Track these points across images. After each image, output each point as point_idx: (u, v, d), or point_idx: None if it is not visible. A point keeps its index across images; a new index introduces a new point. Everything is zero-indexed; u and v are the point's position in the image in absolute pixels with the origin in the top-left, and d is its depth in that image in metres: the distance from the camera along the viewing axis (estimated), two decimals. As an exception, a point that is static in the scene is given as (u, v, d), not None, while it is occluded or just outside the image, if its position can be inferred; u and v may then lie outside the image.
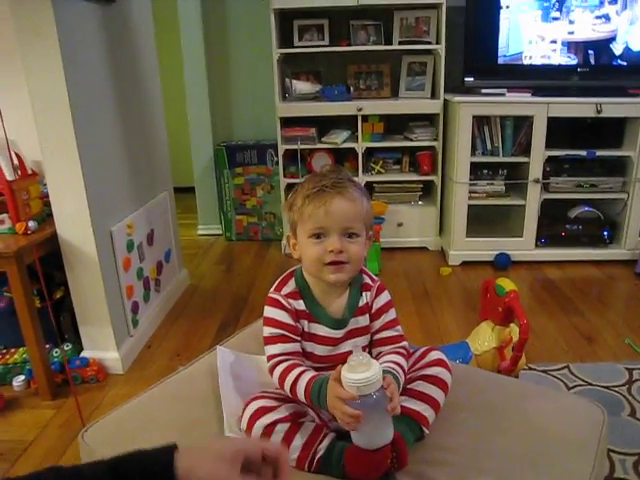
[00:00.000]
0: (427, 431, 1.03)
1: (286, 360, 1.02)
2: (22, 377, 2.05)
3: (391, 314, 1.11)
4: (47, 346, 2.06)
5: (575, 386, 1.95)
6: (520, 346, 1.63)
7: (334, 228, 1.00)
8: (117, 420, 1.12)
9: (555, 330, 2.39)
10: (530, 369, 2.03)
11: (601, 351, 2.22)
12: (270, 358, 1.04)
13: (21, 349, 2.13)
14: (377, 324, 1.09)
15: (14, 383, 2.04)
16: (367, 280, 1.11)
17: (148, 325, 2.42)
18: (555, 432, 1.07)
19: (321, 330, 1.06)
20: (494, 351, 1.73)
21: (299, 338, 1.06)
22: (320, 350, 1.06)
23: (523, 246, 3.09)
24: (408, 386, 1.06)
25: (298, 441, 0.97)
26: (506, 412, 1.13)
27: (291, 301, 1.06)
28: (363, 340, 1.09)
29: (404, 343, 1.09)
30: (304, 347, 1.07)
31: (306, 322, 1.06)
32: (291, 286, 1.08)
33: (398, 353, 1.06)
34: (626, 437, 1.67)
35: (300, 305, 1.06)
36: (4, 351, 2.16)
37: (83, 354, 2.14)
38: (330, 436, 0.99)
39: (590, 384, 1.96)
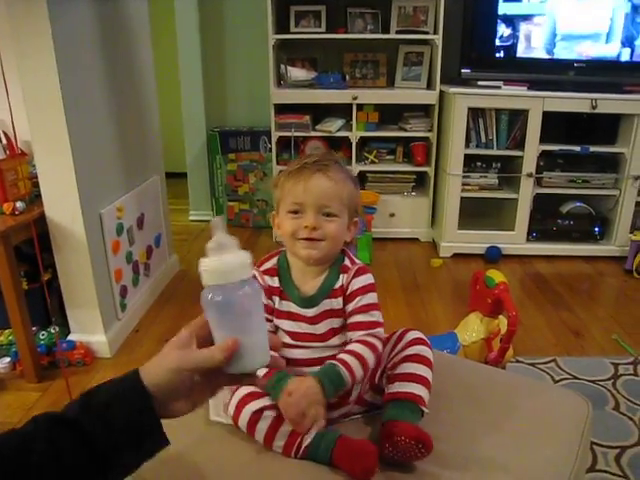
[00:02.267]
0: (427, 410, 1.02)
1: None
2: (8, 359, 2.04)
3: (368, 298, 1.06)
4: (34, 328, 2.04)
5: (561, 379, 1.97)
6: (508, 338, 1.64)
7: (310, 204, 1.01)
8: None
9: (544, 324, 2.40)
10: (518, 362, 2.04)
11: (588, 346, 2.23)
12: None
13: (7, 331, 2.11)
14: (350, 307, 1.06)
15: (-1, 365, 2.03)
16: (347, 262, 1.09)
17: (137, 309, 2.41)
18: (540, 423, 1.07)
19: (290, 307, 1.07)
20: (482, 342, 1.74)
21: (271, 317, 1.07)
22: (289, 325, 1.06)
23: (514, 240, 3.10)
24: (395, 371, 1.05)
25: (286, 427, 0.97)
26: (492, 402, 1.13)
27: (266, 277, 1.07)
28: (338, 322, 1.07)
29: (378, 330, 1.05)
30: (278, 324, 1.07)
31: (277, 299, 1.07)
32: (271, 263, 1.10)
33: (362, 342, 1.02)
34: (609, 430, 1.68)
35: (274, 282, 1.07)
36: (-10, 332, 2.15)
37: (70, 337, 2.12)
38: None
39: (576, 378, 1.98)
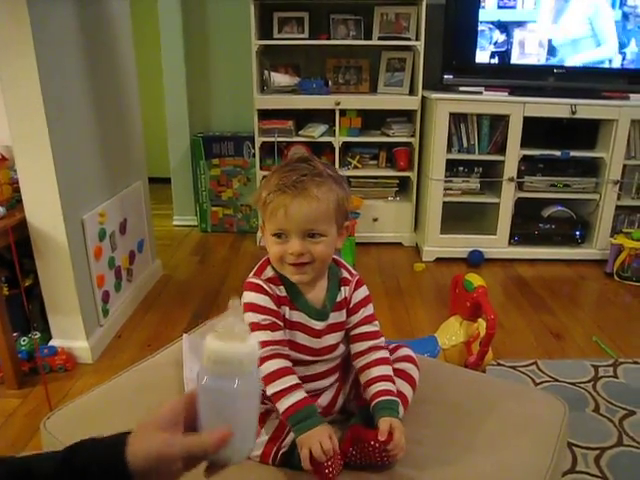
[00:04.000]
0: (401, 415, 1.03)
1: (280, 355, 0.98)
2: (-12, 365, 2.02)
3: (369, 309, 1.09)
4: (14, 334, 2.03)
5: (542, 382, 1.99)
6: (487, 341, 1.65)
7: (294, 230, 0.96)
8: (80, 408, 1.11)
9: (525, 327, 2.42)
10: (499, 365, 2.07)
11: (569, 348, 2.26)
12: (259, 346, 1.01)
13: (-13, 337, 2.09)
14: (355, 319, 1.07)
15: (-21, 371, 2.01)
16: (345, 274, 1.09)
17: (119, 315, 2.40)
18: (516, 425, 1.09)
19: (302, 318, 1.03)
20: (462, 345, 1.75)
21: (281, 323, 1.02)
22: (302, 339, 1.03)
23: (496, 244, 3.13)
24: None
25: (263, 436, 0.97)
26: (470, 405, 1.14)
27: (272, 286, 1.02)
28: (340, 336, 1.07)
29: (381, 339, 1.08)
30: (291, 336, 1.04)
31: (287, 309, 1.03)
32: (270, 271, 1.04)
33: (382, 363, 1.04)
34: (589, 432, 1.70)
35: (282, 291, 1.03)
36: (-30, 339, 2.12)
37: (52, 343, 2.11)
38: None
39: (557, 380, 2.00)
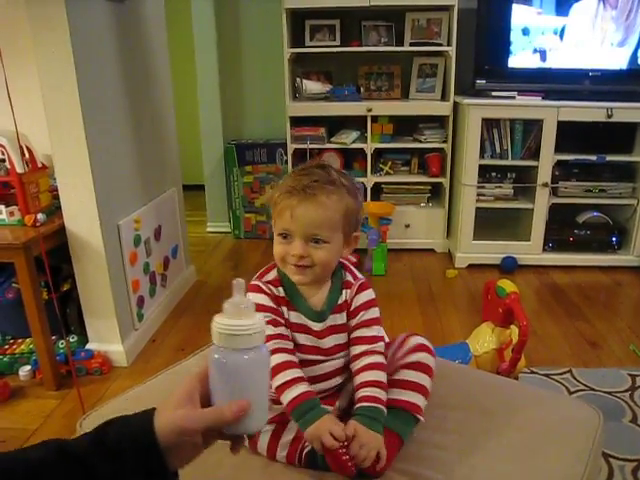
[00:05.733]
0: (422, 418, 1.03)
1: (283, 350, 1.01)
2: (28, 367, 2.08)
3: (371, 313, 1.08)
4: (53, 337, 2.09)
5: (577, 391, 1.95)
6: (519, 348, 1.63)
7: (298, 232, 0.98)
8: (115, 408, 1.13)
9: (560, 335, 2.38)
10: (532, 372, 2.03)
11: (605, 357, 2.21)
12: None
13: (28, 340, 2.16)
14: (354, 322, 1.07)
15: (20, 373, 2.07)
16: (349, 278, 1.09)
17: (153, 319, 2.44)
18: (548, 434, 1.06)
19: (300, 319, 1.05)
20: (494, 352, 1.73)
21: (282, 321, 1.04)
22: (305, 339, 1.05)
23: (530, 250, 3.08)
24: (394, 377, 1.06)
25: (287, 437, 0.99)
26: (500, 413, 1.13)
27: (271, 287, 1.05)
28: (342, 338, 1.08)
29: (379, 344, 1.06)
30: (292, 337, 1.05)
31: (285, 309, 1.05)
32: (273, 274, 1.07)
33: (373, 368, 1.03)
34: (626, 443, 1.66)
35: (280, 292, 1.05)
36: (11, 341, 2.20)
37: (88, 346, 2.16)
38: None
39: (592, 389, 1.96)
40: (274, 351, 0.99)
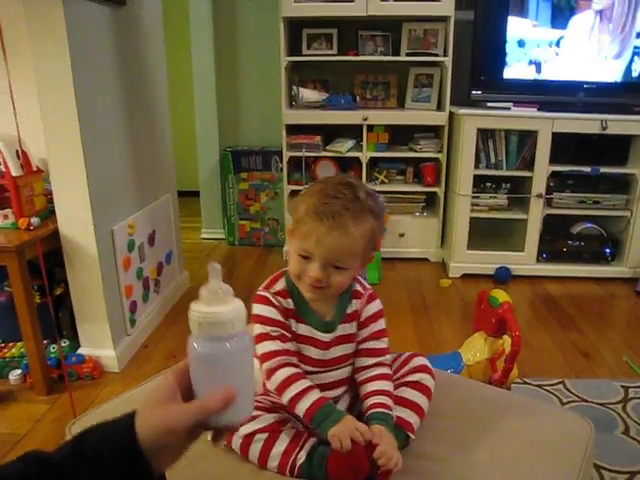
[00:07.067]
0: (413, 437, 1.03)
1: (289, 364, 1.00)
2: (19, 371, 2.07)
3: (380, 324, 1.09)
4: (45, 342, 2.07)
5: (569, 402, 1.95)
6: (512, 358, 1.63)
7: (320, 257, 0.96)
8: (104, 414, 1.10)
9: (552, 345, 2.38)
10: (525, 383, 2.03)
11: (598, 368, 2.21)
12: (269, 356, 1.00)
13: (19, 343, 2.14)
14: (364, 333, 1.07)
15: (10, 377, 2.06)
16: (358, 287, 1.09)
17: (146, 325, 2.43)
18: (539, 443, 1.06)
19: (309, 331, 1.04)
20: (486, 362, 1.73)
21: (289, 335, 1.03)
22: (309, 352, 1.04)
23: (524, 260, 3.09)
24: (394, 393, 1.05)
25: (278, 448, 0.98)
26: (492, 423, 1.12)
27: (280, 299, 1.03)
28: (350, 348, 1.08)
29: (387, 357, 1.08)
30: (300, 349, 1.04)
31: (294, 322, 1.04)
32: (281, 285, 1.05)
33: (382, 378, 1.04)
34: (618, 455, 1.66)
35: (289, 304, 1.03)
36: (2, 345, 2.18)
37: (80, 351, 2.15)
38: (311, 441, 0.98)
39: (585, 400, 1.96)
40: (280, 366, 0.99)
